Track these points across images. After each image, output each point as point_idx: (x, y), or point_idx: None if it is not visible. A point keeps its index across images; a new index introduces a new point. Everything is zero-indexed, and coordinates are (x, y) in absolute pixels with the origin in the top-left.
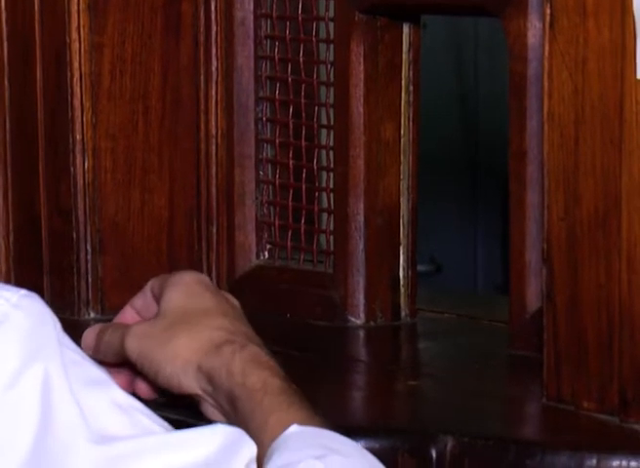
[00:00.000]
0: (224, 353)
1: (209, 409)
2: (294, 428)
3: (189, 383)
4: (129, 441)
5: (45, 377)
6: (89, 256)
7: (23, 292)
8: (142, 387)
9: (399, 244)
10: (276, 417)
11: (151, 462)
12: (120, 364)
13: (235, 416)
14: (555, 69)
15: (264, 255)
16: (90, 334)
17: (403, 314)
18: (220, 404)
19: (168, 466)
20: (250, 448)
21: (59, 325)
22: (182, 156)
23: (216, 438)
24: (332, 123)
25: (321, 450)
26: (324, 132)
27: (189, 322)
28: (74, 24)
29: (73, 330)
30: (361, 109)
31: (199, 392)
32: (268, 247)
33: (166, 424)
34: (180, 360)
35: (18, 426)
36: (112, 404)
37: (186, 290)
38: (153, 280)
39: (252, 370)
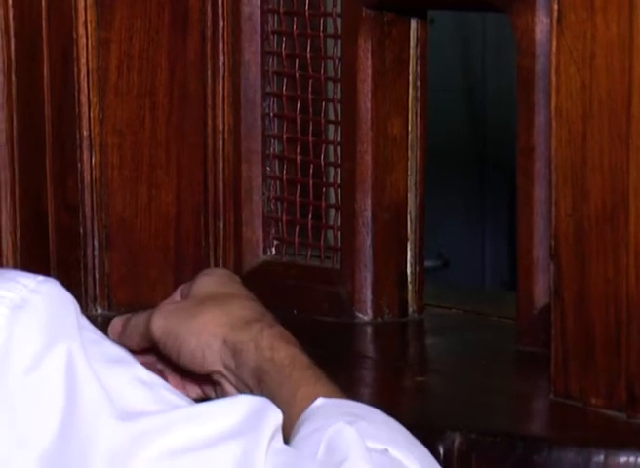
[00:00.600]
0: (253, 328)
1: (229, 390)
2: (320, 401)
3: (213, 358)
4: (154, 416)
5: (68, 358)
6: (96, 252)
7: (41, 277)
8: None
9: (406, 239)
10: (304, 391)
11: (177, 435)
12: (144, 351)
13: (260, 392)
14: (563, 65)
15: (272, 251)
16: (117, 320)
17: (410, 310)
18: (242, 380)
19: (194, 438)
20: (276, 416)
21: (77, 307)
22: (190, 152)
23: (241, 407)
24: (339, 118)
25: (350, 417)
26: (331, 127)
27: (218, 301)
28: (81, 20)
29: None
30: (368, 105)
31: (221, 369)
32: (275, 243)
33: (189, 399)
34: (206, 333)
35: (43, 407)
36: (135, 380)
37: (217, 279)
38: (183, 284)
39: (280, 345)
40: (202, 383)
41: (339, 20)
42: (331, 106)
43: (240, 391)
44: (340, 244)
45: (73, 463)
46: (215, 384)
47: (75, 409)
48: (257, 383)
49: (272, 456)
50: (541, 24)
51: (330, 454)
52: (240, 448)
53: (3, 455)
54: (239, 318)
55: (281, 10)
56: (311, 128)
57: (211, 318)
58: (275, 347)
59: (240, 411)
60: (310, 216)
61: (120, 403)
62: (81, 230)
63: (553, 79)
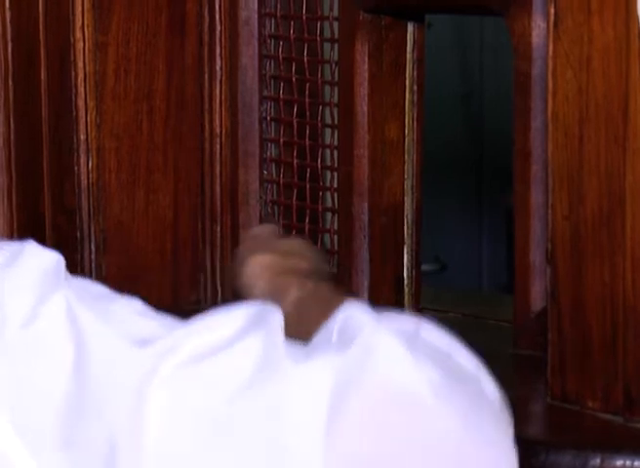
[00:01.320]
0: (301, 277)
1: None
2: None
3: (257, 295)
4: (165, 338)
5: (67, 303)
6: (93, 256)
7: (26, 241)
8: None
9: (403, 243)
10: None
11: (193, 345)
12: None
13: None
14: (559, 69)
15: None
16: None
17: (407, 313)
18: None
19: (210, 345)
20: (277, 313)
21: (63, 262)
22: (187, 155)
23: (242, 312)
24: (336, 122)
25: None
26: (328, 131)
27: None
28: (78, 24)
29: None
30: (365, 109)
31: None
32: None
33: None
34: (256, 273)
35: (52, 355)
36: (135, 312)
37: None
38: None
39: (326, 288)
40: None
41: (336, 24)
42: (328, 110)
43: None
44: (336, 248)
45: (96, 402)
46: None
47: (85, 349)
48: (296, 315)
49: (287, 346)
50: (538, 29)
51: (343, 334)
52: (258, 341)
53: (22, 411)
54: (290, 268)
55: (278, 14)
56: (308, 131)
57: (263, 260)
58: (321, 288)
59: (244, 314)
60: (307, 220)
61: (128, 333)
62: (78, 234)
63: (550, 83)
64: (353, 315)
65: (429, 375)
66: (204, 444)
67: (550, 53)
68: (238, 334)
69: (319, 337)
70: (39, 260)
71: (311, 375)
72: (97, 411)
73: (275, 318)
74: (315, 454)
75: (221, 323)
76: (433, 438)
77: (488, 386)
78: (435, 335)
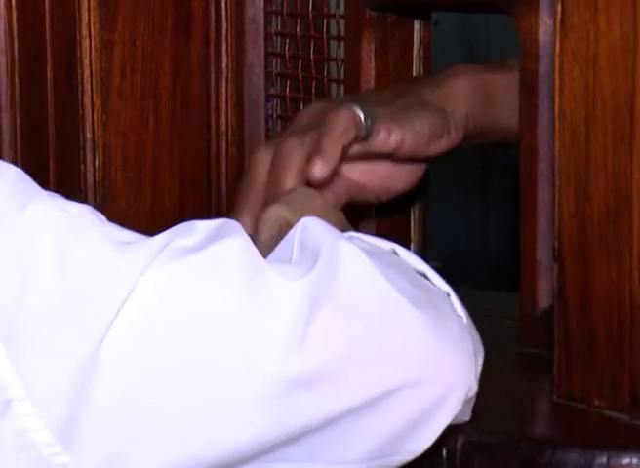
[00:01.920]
0: None
1: None
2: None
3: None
4: (143, 242)
5: (50, 213)
6: None
7: None
8: None
9: (410, 241)
10: None
11: (177, 244)
12: None
13: None
14: (566, 66)
15: None
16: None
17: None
18: None
19: (194, 245)
20: (239, 226)
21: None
22: (193, 153)
23: (208, 223)
24: None
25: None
26: None
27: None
28: (85, 21)
29: None
30: None
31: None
32: None
33: None
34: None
35: (35, 262)
36: (102, 219)
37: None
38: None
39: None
40: None
41: (342, 22)
42: None
43: None
44: None
45: (82, 304)
46: None
47: (67, 255)
48: None
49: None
50: (545, 26)
51: (305, 248)
52: (238, 241)
53: (9, 300)
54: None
55: (284, 12)
56: None
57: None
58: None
59: (209, 224)
60: None
61: (107, 237)
62: None
63: (557, 81)
64: (311, 227)
65: (393, 280)
66: (192, 333)
67: (557, 50)
68: (212, 237)
69: (280, 249)
70: (17, 172)
71: (292, 289)
72: (82, 314)
73: (239, 226)
74: (292, 348)
75: (191, 230)
76: (400, 336)
77: (457, 306)
78: (410, 256)
